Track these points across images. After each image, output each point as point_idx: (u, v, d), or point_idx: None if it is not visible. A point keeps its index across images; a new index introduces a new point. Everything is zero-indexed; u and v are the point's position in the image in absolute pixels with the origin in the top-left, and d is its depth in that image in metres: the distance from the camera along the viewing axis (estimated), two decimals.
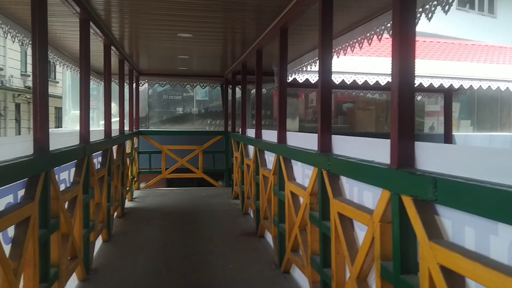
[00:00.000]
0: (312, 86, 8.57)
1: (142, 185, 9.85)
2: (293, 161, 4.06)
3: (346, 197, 2.95)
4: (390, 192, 2.19)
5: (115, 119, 10.73)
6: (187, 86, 11.15)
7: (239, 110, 9.48)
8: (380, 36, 4.21)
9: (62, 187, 3.47)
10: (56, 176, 3.18)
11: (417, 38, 2.24)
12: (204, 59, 7.49)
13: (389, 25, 3.94)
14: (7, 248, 2.23)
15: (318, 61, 3.26)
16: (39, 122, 2.72)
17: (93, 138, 4.50)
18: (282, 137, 4.32)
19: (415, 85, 2.30)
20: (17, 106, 19.13)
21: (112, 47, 5.52)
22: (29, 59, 19.86)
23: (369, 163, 2.44)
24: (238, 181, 7.33)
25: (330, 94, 3.23)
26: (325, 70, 3.20)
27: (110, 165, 5.32)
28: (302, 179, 3.82)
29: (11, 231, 2.29)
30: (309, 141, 3.65)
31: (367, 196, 2.72)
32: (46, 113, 2.80)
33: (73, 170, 3.79)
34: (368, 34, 4.37)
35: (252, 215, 6.35)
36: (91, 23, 4.20)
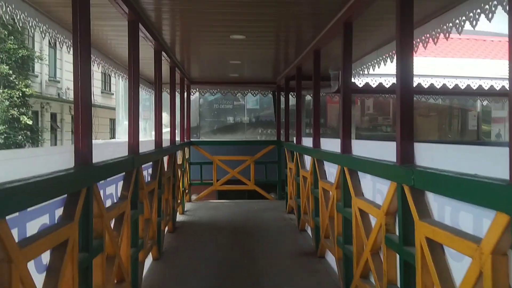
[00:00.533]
0: (382, 91, 8.04)
1: (193, 197, 9.62)
2: (360, 174, 3.58)
3: (435, 218, 2.45)
4: (510, 217, 1.69)
5: (166, 130, 10.64)
6: (237, 95, 10.87)
7: (292, 118, 9.09)
8: (460, 29, 3.65)
9: (109, 202, 3.18)
10: (102, 191, 2.89)
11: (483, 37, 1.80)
12: (256, 65, 7.15)
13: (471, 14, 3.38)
14: (41, 278, 1.93)
15: (396, 61, 2.77)
16: (81, 131, 2.47)
17: (143, 148, 4.23)
18: (346, 146, 3.84)
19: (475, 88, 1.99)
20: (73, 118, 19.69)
21: (163, 53, 5.28)
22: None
23: (475, 178, 1.94)
24: (293, 194, 6.89)
25: (411, 98, 2.70)
26: (406, 71, 2.71)
27: (160, 177, 5.04)
28: (372, 195, 3.33)
29: (46, 257, 1.98)
30: (381, 151, 3.17)
31: (465, 218, 2.21)
32: (89, 122, 2.56)
33: (120, 183, 3.51)
34: (444, 27, 3.81)
35: (310, 232, 5.88)
36: (140, 25, 3.94)
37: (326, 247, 4.74)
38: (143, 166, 4.18)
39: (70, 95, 19.19)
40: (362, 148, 3.68)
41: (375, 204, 3.14)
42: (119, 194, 3.45)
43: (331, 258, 4.65)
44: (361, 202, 3.38)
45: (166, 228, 5.92)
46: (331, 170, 4.56)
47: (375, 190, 3.29)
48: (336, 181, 4.04)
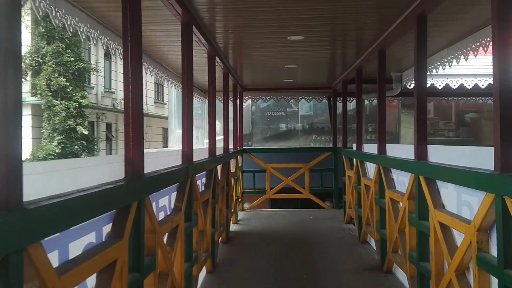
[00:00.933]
0: (460, 93, 7.49)
1: (245, 205, 9.39)
2: (440, 183, 3.16)
3: None
4: None
5: (219, 138, 10.51)
6: (291, 101, 10.58)
7: (349, 124, 8.66)
8: None
9: (161, 215, 2.96)
10: (154, 203, 2.67)
11: None
12: (312, 69, 6.83)
13: None
14: None
15: (493, 56, 2.34)
16: (132, 141, 2.30)
17: (196, 157, 4.03)
18: (421, 152, 3.43)
19: None
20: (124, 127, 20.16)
21: (217, 58, 5.08)
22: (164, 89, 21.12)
23: None
24: (352, 203, 6.47)
25: None
26: (504, 66, 2.29)
27: (214, 186, 4.82)
28: (456, 208, 2.91)
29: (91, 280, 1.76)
30: (470, 157, 2.78)
31: None
32: (140, 131, 2.40)
33: (174, 194, 3.29)
34: None
35: (373, 244, 5.45)
36: (193, 27, 3.74)
37: (394, 262, 4.32)
38: (197, 175, 3.97)
39: None
40: (447, 154, 3.26)
41: (461, 218, 2.73)
42: (172, 206, 3.23)
43: (400, 274, 4.23)
44: (442, 215, 2.97)
45: (220, 239, 5.70)
46: (401, 179, 4.15)
47: (461, 202, 2.88)
48: (409, 191, 3.63)
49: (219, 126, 10.67)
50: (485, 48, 4.36)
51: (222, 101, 6.34)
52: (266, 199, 8.93)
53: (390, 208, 4.27)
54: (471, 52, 4.53)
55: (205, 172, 4.60)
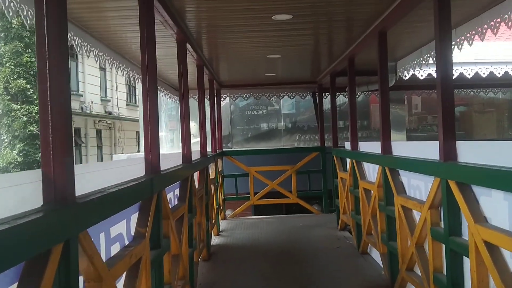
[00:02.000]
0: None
1: (228, 212, 8.64)
2: (477, 190, 2.47)
3: None
4: None
5: (195, 140, 9.70)
6: (272, 99, 9.86)
7: (339, 121, 7.95)
8: None
9: (115, 248, 2.18)
10: (103, 233, 1.90)
11: None
12: (296, 60, 6.09)
13: None
14: None
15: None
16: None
17: (167, 164, 3.26)
18: (449, 151, 2.74)
19: None
20: (98, 132, 19.07)
21: (188, 46, 4.31)
22: (109, 84, 19.92)
23: None
24: (348, 209, 5.78)
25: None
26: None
27: (191, 197, 4.05)
28: (509, 223, 2.22)
29: None
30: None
31: None
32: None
33: (134, 217, 2.51)
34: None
35: (375, 257, 4.77)
36: (156, 2, 2.97)
37: (408, 280, 3.62)
38: (167, 187, 3.20)
39: (95, 109, 18.60)
40: (488, 153, 2.60)
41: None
42: (132, 231, 2.45)
43: None
44: (485, 230, 2.27)
45: (200, 257, 4.92)
46: (416, 183, 3.45)
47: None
48: (431, 199, 2.93)
49: (195, 127, 9.88)
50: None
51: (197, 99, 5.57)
52: (249, 206, 8.19)
53: (402, 218, 3.57)
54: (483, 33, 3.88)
55: (178, 182, 3.84)
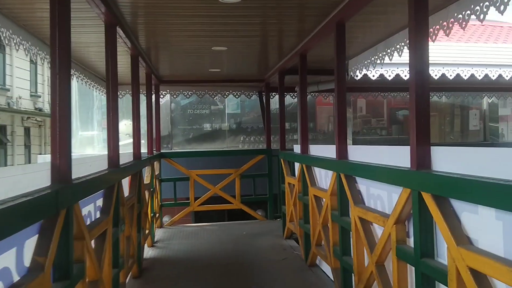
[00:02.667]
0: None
1: (165, 219, 8.00)
2: (458, 205, 2.09)
3: None
4: None
5: (130, 141, 8.95)
6: (216, 97, 9.32)
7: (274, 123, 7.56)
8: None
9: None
10: None
11: None
12: (244, 54, 5.59)
13: None
14: None
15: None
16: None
17: (86, 170, 2.66)
18: (423, 157, 2.35)
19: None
20: (27, 130, 17.55)
21: (119, 29, 3.69)
22: (40, 78, 18.41)
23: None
24: (295, 217, 5.36)
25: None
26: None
27: (117, 209, 3.43)
28: (503, 247, 1.83)
29: None
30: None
31: None
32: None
33: (30, 242, 1.89)
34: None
35: (326, 269, 4.37)
36: None
37: None
38: (84, 199, 2.58)
39: (23, 105, 17.09)
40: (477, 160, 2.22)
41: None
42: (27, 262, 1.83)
43: None
44: (470, 254, 1.88)
45: (130, 275, 4.29)
46: (376, 192, 3.06)
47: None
48: (398, 212, 2.53)
49: (131, 126, 9.11)
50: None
51: (132, 94, 4.93)
52: (189, 213, 7.59)
53: (359, 230, 3.17)
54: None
55: (102, 191, 3.21)
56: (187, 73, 7.02)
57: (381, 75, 5.90)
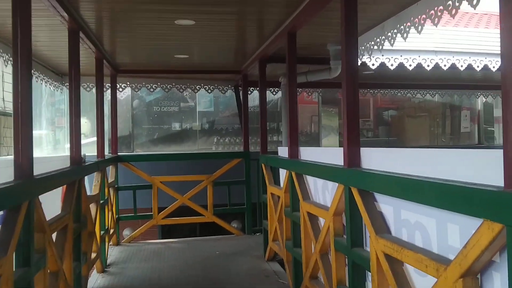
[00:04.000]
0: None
1: (126, 232, 6.87)
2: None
3: None
4: None
5: (88, 140, 7.74)
6: (186, 93, 8.24)
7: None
8: None
9: None
10: None
11: None
12: (215, 34, 4.51)
13: None
14: None
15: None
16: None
17: None
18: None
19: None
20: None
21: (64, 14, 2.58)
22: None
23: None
24: (281, 236, 4.32)
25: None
26: None
27: (28, 241, 2.30)
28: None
29: None
30: None
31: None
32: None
33: None
34: None
35: None
36: None
37: None
38: None
39: None
40: None
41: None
42: None
43: None
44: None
45: None
46: (410, 217, 2.03)
47: None
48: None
49: (86, 124, 7.90)
50: None
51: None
52: (153, 226, 6.45)
53: (387, 274, 2.13)
54: None
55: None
56: (149, 61, 5.90)
57: (383, 64, 4.93)
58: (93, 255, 4.29)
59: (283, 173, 4.29)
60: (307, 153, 3.73)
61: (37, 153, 8.11)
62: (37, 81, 5.65)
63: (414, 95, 8.61)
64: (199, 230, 8.03)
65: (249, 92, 6.81)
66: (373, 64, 4.85)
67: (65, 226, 3.11)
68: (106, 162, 5.18)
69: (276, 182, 4.76)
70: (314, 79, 5.33)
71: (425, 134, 10.31)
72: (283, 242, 4.18)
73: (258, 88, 6.99)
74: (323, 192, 3.22)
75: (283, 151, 4.42)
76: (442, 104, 10.34)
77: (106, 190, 5.05)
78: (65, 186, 3.32)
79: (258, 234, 6.29)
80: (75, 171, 3.47)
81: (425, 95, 8.63)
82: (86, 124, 7.84)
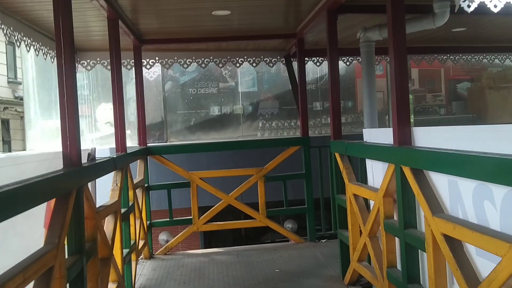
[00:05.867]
0: None
1: (162, 237, 5.72)
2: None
3: None
4: None
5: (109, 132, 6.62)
6: (226, 70, 7.00)
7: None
8: None
9: None
10: None
11: None
12: None
13: None
14: None
15: None
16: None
17: None
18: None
19: None
20: (5, 123, 15.19)
21: None
22: (19, 62, 15.99)
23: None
24: (377, 259, 2.96)
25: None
26: None
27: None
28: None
29: None
30: None
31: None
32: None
33: None
34: None
35: None
36: None
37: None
38: None
39: (0, 94, 14.78)
40: None
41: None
42: None
43: None
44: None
45: None
46: None
47: None
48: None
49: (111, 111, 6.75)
50: None
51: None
52: (194, 233, 5.25)
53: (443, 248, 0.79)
54: None
55: None
56: (180, 25, 4.62)
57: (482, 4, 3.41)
58: (113, 286, 3.11)
59: (376, 167, 2.94)
60: (431, 136, 2.35)
61: (54, 146, 7.05)
62: (44, 58, 4.52)
63: (492, 61, 6.98)
64: (245, 231, 6.81)
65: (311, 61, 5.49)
66: (468, 6, 3.33)
67: (50, 269, 1.89)
68: (129, 157, 3.96)
69: (361, 179, 3.42)
70: (412, 30, 3.85)
71: (510, 109, 8.62)
72: (383, 270, 2.83)
73: (318, 58, 5.67)
74: (478, 202, 1.86)
75: (375, 135, 3.06)
76: None
77: (131, 193, 3.86)
78: (52, 201, 2.12)
79: (324, 241, 4.99)
80: (69, 176, 2.24)
81: (505, 60, 7.00)
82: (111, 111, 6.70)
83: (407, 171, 2.35)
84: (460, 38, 5.71)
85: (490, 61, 7.02)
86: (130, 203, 3.80)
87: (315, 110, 7.91)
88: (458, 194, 2.00)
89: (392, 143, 2.55)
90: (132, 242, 3.79)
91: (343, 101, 7.97)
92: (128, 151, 4.03)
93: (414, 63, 6.56)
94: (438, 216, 2.06)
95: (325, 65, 6.41)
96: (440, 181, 2.15)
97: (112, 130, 4.36)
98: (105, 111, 6.83)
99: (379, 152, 2.74)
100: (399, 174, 2.44)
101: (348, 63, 6.22)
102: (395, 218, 2.71)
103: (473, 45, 6.22)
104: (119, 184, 3.43)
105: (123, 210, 3.47)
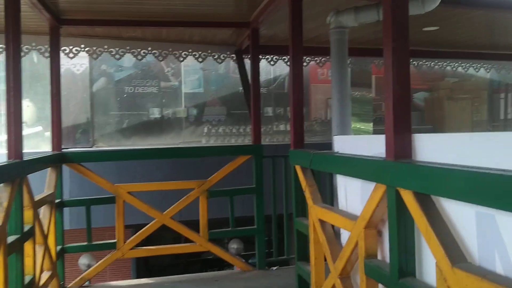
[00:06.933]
0: None
1: (83, 261, 4.72)
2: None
3: None
4: None
5: (33, 130, 5.60)
6: (167, 66, 6.17)
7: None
8: None
9: None
10: None
11: None
12: None
13: None
14: None
15: None
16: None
17: None
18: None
19: None
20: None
21: None
22: None
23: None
24: None
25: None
26: None
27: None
28: None
29: None
30: None
31: None
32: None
33: None
34: None
35: None
36: None
37: None
38: None
39: None
40: None
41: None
42: None
43: None
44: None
45: None
46: None
47: None
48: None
49: (30, 109, 5.85)
50: None
51: None
52: (120, 260, 4.31)
53: None
54: None
55: None
56: (110, 3, 3.73)
57: None
58: None
59: (352, 187, 2.23)
60: (441, 146, 1.66)
61: None
62: None
63: (455, 68, 6.63)
64: (186, 255, 5.95)
65: (266, 59, 4.76)
66: None
67: None
68: (26, 165, 3.01)
69: (328, 199, 2.69)
70: (370, 19, 3.21)
71: (467, 120, 8.35)
72: None
73: (273, 56, 5.01)
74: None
75: (351, 144, 2.34)
76: (491, 80, 8.40)
77: (28, 213, 2.92)
78: None
79: (275, 268, 4.25)
80: None
81: (468, 68, 6.68)
82: (29, 108, 5.65)
83: (407, 196, 1.64)
84: (428, 41, 5.23)
85: (454, 68, 6.67)
86: (27, 227, 2.86)
87: (266, 116, 7.22)
88: (497, 235, 1.31)
89: (383, 155, 1.84)
90: (28, 278, 2.86)
91: (283, 108, 7.40)
92: (30, 157, 3.09)
93: (376, 67, 6.04)
94: (460, 268, 1.36)
95: (280, 65, 5.73)
96: (462, 214, 1.46)
97: (26, 131, 3.43)
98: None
99: (362, 167, 2.00)
100: (393, 199, 1.73)
101: (305, 63, 5.56)
102: (379, 257, 2.01)
103: (439, 49, 5.78)
104: (5, 204, 2.49)
105: (10, 239, 2.54)
